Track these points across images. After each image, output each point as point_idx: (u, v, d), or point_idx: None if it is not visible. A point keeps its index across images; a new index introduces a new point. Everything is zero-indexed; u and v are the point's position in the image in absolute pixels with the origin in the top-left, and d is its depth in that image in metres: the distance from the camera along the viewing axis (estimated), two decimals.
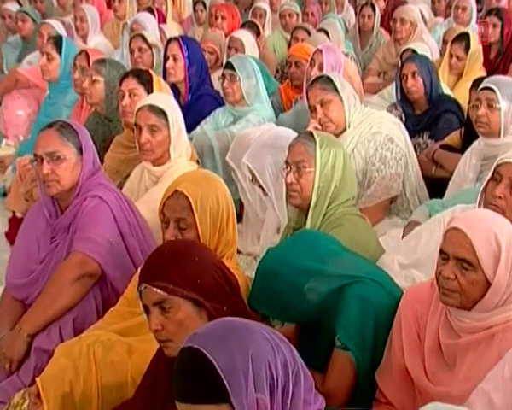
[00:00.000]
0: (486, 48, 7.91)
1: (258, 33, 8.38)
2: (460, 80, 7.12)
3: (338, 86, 5.24)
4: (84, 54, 6.45)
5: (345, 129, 5.22)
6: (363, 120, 5.27)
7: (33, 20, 9.51)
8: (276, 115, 6.23)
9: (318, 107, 5.21)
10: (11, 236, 5.63)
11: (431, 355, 3.14)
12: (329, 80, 5.26)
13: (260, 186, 4.81)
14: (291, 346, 2.18)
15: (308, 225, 4.04)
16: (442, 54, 7.74)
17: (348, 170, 4.18)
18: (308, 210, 4.08)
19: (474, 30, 8.20)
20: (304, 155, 4.05)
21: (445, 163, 5.48)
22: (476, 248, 2.94)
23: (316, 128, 4.96)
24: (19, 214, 5.97)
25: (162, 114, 4.65)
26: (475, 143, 5.04)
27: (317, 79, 5.40)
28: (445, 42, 7.82)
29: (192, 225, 3.50)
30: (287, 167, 4.10)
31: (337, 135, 5.15)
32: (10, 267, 4.31)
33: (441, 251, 3.04)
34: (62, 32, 8.10)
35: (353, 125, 5.23)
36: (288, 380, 2.07)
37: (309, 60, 6.40)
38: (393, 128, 5.32)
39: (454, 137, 5.82)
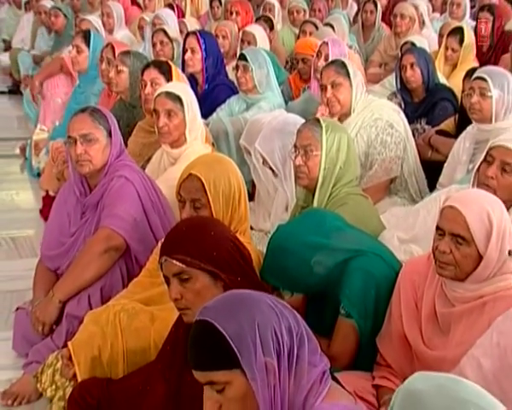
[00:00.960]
0: (480, 40, 7.89)
1: (271, 27, 8.36)
2: (455, 70, 7.09)
3: (350, 73, 5.22)
4: (110, 46, 6.43)
5: (349, 113, 5.19)
6: (365, 107, 5.23)
7: (65, 15, 9.54)
8: (286, 103, 6.21)
9: (329, 87, 5.19)
10: (45, 212, 5.64)
11: (427, 323, 3.13)
12: (344, 66, 5.25)
13: (270, 168, 4.80)
14: (294, 312, 2.17)
15: (315, 204, 4.03)
16: (439, 46, 7.71)
17: (352, 153, 4.17)
18: (315, 190, 4.06)
19: (468, 24, 8.18)
20: (311, 140, 4.03)
21: (440, 147, 5.47)
22: (470, 224, 2.93)
23: (322, 115, 4.96)
24: (51, 193, 5.98)
25: (178, 99, 4.64)
26: (469, 128, 5.03)
27: (333, 61, 5.42)
28: (441, 35, 7.79)
29: (206, 204, 3.50)
30: (295, 151, 4.09)
31: (341, 117, 5.18)
32: (44, 241, 4.33)
33: (437, 227, 3.04)
34: (99, 26, 8.14)
35: (357, 111, 5.19)
36: (293, 343, 2.06)
37: (316, 51, 6.38)
38: (393, 115, 5.29)
39: (449, 123, 5.80)
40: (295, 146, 4.10)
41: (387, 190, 5.20)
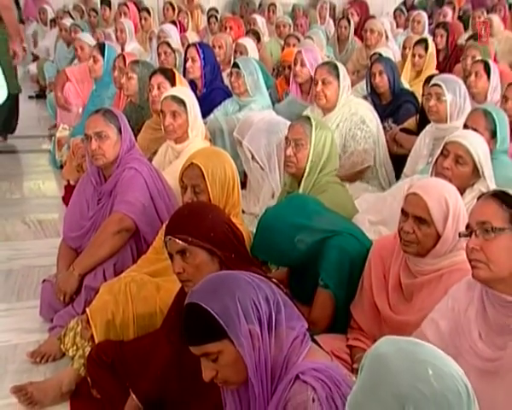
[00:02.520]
0: (436, 52, 7.90)
1: (258, 39, 8.35)
2: (418, 78, 7.08)
3: (340, 75, 5.24)
4: (122, 57, 6.45)
5: (332, 108, 5.19)
6: (344, 104, 5.24)
7: (83, 31, 9.50)
8: (273, 104, 6.19)
9: (320, 82, 5.20)
10: (66, 199, 5.63)
11: (393, 292, 3.14)
12: (336, 68, 5.27)
13: (258, 163, 4.80)
14: (269, 283, 2.18)
15: (300, 191, 4.03)
16: (402, 57, 7.71)
17: (334, 148, 4.17)
18: (301, 178, 4.06)
19: (428, 37, 8.18)
20: (302, 135, 4.03)
21: (404, 143, 5.48)
22: (430, 208, 2.94)
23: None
24: (72, 182, 5.98)
25: (182, 102, 4.64)
26: (428, 127, 5.05)
27: (328, 62, 5.45)
28: (404, 47, 7.81)
29: (205, 190, 3.50)
30: (287, 142, 4.10)
31: (324, 110, 5.22)
32: (66, 223, 4.32)
33: (402, 211, 3.04)
34: (92, 42, 8.11)
35: (338, 107, 5.21)
36: (271, 310, 2.07)
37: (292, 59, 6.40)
38: (367, 112, 5.29)
39: (411, 122, 5.83)
40: (287, 138, 4.11)
41: (360, 178, 5.20)
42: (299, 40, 8.26)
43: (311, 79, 5.82)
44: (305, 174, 4.05)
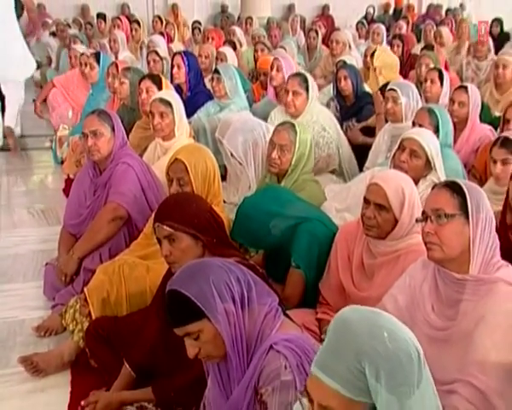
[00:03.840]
0: None
1: (234, 48, 8.33)
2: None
3: (309, 87, 5.21)
4: (115, 64, 6.41)
5: (298, 115, 5.14)
6: (307, 112, 5.20)
7: (81, 41, 9.50)
8: (250, 106, 6.17)
9: (291, 93, 5.16)
10: (66, 191, 5.57)
11: (357, 271, 3.15)
12: (306, 81, 5.23)
13: (236, 159, 4.78)
14: (240, 266, 2.17)
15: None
16: (364, 65, 7.71)
17: (311, 150, 4.18)
18: (283, 176, 4.08)
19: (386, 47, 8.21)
20: (287, 141, 4.02)
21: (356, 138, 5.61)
22: (389, 196, 2.95)
23: None
24: (71, 176, 5.90)
25: (168, 104, 4.62)
26: (386, 126, 5.08)
27: (300, 74, 5.38)
28: (365, 56, 7.79)
29: (188, 182, 3.49)
30: (272, 146, 4.07)
31: (291, 116, 5.13)
32: (66, 212, 4.29)
33: (364, 199, 3.05)
34: (82, 49, 8.11)
35: (303, 114, 5.16)
36: (243, 289, 2.07)
37: (269, 65, 6.41)
38: (327, 119, 5.26)
39: (372, 120, 5.84)
40: (272, 141, 4.09)
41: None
42: (266, 46, 8.35)
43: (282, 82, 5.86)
44: (287, 174, 4.07)
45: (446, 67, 7.97)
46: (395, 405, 1.47)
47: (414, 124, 4.43)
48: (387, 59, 7.14)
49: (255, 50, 8.31)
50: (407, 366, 1.49)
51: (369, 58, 7.36)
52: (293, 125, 4.11)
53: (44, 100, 7.70)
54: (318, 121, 5.16)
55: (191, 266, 2.11)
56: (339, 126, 5.33)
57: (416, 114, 4.55)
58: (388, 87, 5.13)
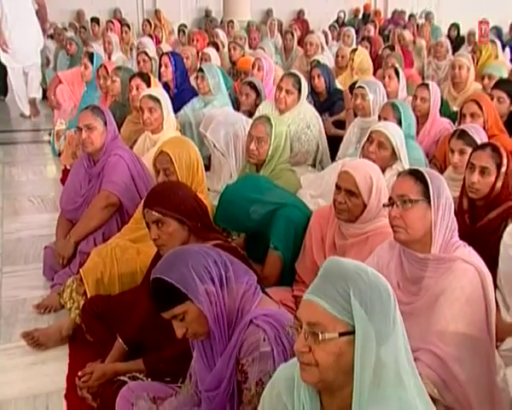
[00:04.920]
0: None
1: (217, 49, 8.27)
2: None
3: (302, 88, 5.19)
4: (103, 67, 6.34)
5: (286, 111, 5.13)
6: (297, 109, 5.17)
7: (77, 44, 9.38)
8: (232, 102, 6.13)
9: (283, 91, 5.13)
10: (64, 180, 5.51)
11: (329, 251, 3.14)
12: (299, 82, 5.19)
13: (219, 150, 4.76)
14: (216, 249, 2.17)
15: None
16: (336, 64, 7.69)
17: (287, 142, 4.16)
18: (261, 166, 4.06)
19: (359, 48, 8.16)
20: (263, 134, 4.00)
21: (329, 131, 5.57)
22: (358, 183, 2.96)
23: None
24: (68, 167, 5.87)
25: (157, 100, 4.58)
26: (356, 120, 5.08)
27: (295, 75, 5.32)
28: (337, 56, 7.78)
29: (174, 172, 3.48)
30: (250, 138, 4.06)
31: (280, 112, 5.13)
32: (61, 199, 4.26)
33: (336, 186, 3.05)
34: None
35: (291, 110, 5.14)
36: (220, 270, 2.06)
37: (251, 65, 6.41)
38: (313, 118, 5.23)
39: (343, 115, 5.85)
40: (250, 134, 4.07)
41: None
42: (239, 45, 8.37)
43: (262, 80, 5.89)
44: (265, 164, 4.05)
45: (412, 65, 8.05)
46: (372, 339, 1.51)
47: (380, 118, 4.44)
48: (366, 64, 7.14)
49: (229, 49, 8.33)
50: (385, 300, 1.55)
51: (346, 59, 7.37)
52: (269, 119, 4.10)
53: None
54: (305, 119, 5.14)
55: (171, 255, 2.09)
56: (322, 126, 5.30)
57: (381, 108, 4.57)
58: (357, 85, 5.15)
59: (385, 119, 4.33)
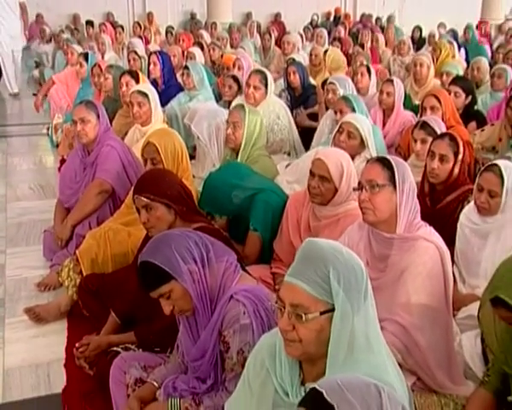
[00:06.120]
0: None
1: (202, 48, 8.17)
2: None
3: (268, 84, 5.16)
4: (97, 65, 6.26)
5: (257, 105, 5.07)
6: (266, 103, 5.15)
7: (72, 44, 9.24)
8: (216, 97, 6.09)
9: (252, 87, 5.11)
10: (61, 170, 5.48)
11: (304, 232, 3.13)
12: (265, 78, 5.17)
13: (202, 141, 4.73)
14: (197, 232, 2.15)
15: (238, 160, 4.00)
16: (310, 62, 7.62)
17: (262, 129, 4.14)
18: (238, 151, 4.03)
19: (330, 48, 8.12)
20: (238, 119, 4.00)
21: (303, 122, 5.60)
22: (330, 169, 2.95)
23: None
24: (65, 157, 5.78)
25: (145, 95, 4.52)
26: (328, 112, 5.04)
27: (261, 72, 5.29)
28: (310, 55, 7.68)
29: (160, 161, 3.43)
30: (227, 124, 4.05)
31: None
32: (59, 187, 4.20)
33: (310, 172, 3.04)
34: (80, 50, 7.92)
35: (261, 104, 5.10)
36: (201, 250, 2.04)
37: (231, 63, 6.41)
38: (281, 109, 5.21)
39: (317, 108, 5.81)
40: (227, 121, 4.07)
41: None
42: (217, 46, 8.37)
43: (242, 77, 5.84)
44: (241, 148, 4.01)
45: (378, 62, 8.05)
46: (349, 313, 1.51)
47: (336, 112, 4.42)
48: (338, 61, 7.12)
49: (208, 50, 8.29)
50: (359, 277, 1.54)
51: (319, 58, 7.32)
52: (243, 106, 4.10)
53: (45, 95, 7.49)
54: (274, 111, 5.14)
55: (155, 240, 2.07)
56: (290, 116, 5.29)
57: (335, 103, 4.56)
58: (328, 81, 5.16)
59: (340, 111, 4.33)
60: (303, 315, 1.50)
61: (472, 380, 2.49)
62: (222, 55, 8.04)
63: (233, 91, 5.61)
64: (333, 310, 1.51)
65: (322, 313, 1.51)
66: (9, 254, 4.12)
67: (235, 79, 5.71)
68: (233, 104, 5.19)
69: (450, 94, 4.81)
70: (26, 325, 3.26)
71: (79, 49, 7.72)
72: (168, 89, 6.05)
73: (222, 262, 2.08)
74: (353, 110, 4.30)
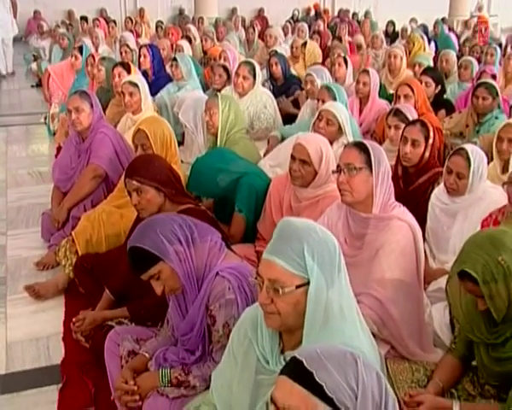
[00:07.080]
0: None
1: (190, 41, 8.11)
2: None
3: (256, 74, 5.11)
4: (92, 56, 6.21)
5: (245, 94, 5.06)
6: (253, 93, 5.10)
7: (68, 38, 9.13)
8: (203, 87, 6.02)
9: (241, 77, 5.05)
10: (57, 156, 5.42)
11: (286, 212, 3.10)
12: (254, 69, 5.10)
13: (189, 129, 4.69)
14: (180, 215, 2.12)
15: (218, 145, 3.96)
16: (292, 54, 7.59)
17: (238, 112, 4.08)
18: (217, 135, 3.98)
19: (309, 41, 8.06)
20: (212, 105, 3.96)
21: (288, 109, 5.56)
22: (310, 153, 2.92)
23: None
24: (62, 145, 5.70)
25: (136, 85, 4.46)
26: (308, 101, 5.03)
27: (250, 63, 5.22)
28: (291, 47, 7.72)
29: (150, 147, 3.39)
30: (205, 112, 4.01)
31: (240, 96, 5.05)
32: (54, 172, 4.14)
33: (292, 156, 3.01)
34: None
35: (248, 94, 5.07)
36: (186, 231, 2.01)
37: (217, 56, 6.36)
38: (268, 99, 5.18)
39: (298, 96, 5.77)
40: (205, 110, 4.02)
41: None
42: (210, 38, 8.36)
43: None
44: (219, 132, 3.96)
45: (354, 53, 8.03)
46: (323, 286, 1.51)
47: (318, 100, 4.38)
48: (316, 55, 7.09)
49: (201, 40, 8.27)
50: (332, 252, 1.54)
51: (300, 50, 7.29)
52: (216, 94, 4.10)
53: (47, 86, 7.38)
54: (262, 100, 5.10)
55: (142, 226, 2.04)
56: (276, 106, 5.25)
57: (318, 92, 4.51)
58: (306, 73, 5.14)
59: (322, 100, 4.28)
60: (280, 289, 1.50)
61: (440, 348, 2.51)
62: (210, 47, 7.98)
63: (222, 80, 5.56)
64: (308, 284, 1.50)
65: (298, 287, 1.50)
66: (10, 235, 4.10)
67: (225, 68, 5.68)
68: (222, 92, 5.15)
69: (421, 83, 4.81)
70: (26, 301, 3.26)
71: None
72: (158, 80, 5.98)
73: (206, 242, 2.05)
74: (335, 99, 4.26)
